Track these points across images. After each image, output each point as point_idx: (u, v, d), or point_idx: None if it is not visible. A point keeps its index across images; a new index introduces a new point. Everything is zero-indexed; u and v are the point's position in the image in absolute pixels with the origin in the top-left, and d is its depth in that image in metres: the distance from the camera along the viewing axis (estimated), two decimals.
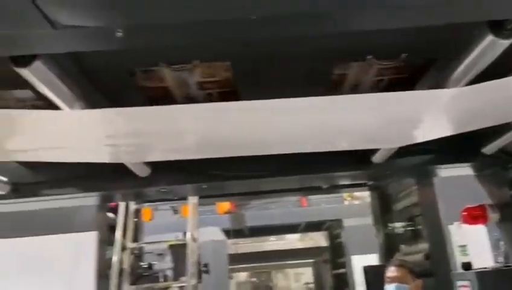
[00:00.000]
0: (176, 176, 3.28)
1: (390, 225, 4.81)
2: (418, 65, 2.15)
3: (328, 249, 9.77)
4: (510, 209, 3.08)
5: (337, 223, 8.38)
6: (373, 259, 5.32)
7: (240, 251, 12.04)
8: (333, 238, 9.04)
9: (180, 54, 1.87)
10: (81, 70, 1.91)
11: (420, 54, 2.07)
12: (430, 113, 2.15)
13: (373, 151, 3.05)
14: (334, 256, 8.94)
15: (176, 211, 8.02)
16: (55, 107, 1.95)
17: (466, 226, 3.21)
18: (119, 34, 1.28)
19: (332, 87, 2.26)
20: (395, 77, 2.29)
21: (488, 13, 1.47)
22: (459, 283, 3.09)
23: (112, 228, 4.68)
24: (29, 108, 2.24)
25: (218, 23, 1.29)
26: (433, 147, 2.86)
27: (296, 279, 16.83)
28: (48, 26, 1.20)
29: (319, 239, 12.06)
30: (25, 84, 1.77)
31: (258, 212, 8.46)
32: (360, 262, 6.21)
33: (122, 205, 4.85)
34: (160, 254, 5.77)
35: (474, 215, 3.12)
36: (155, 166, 3.10)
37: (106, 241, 4.14)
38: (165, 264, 5.59)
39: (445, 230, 3.37)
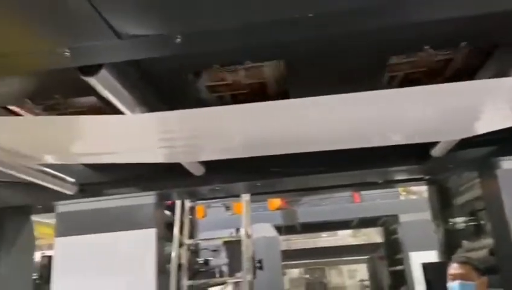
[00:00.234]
0: (229, 174, 3.36)
1: (450, 220, 4.62)
2: (478, 54, 2.06)
3: (383, 245, 9.53)
4: None
5: (393, 218, 8.14)
6: (432, 256, 5.15)
7: (292, 247, 12.04)
8: (389, 234, 8.81)
9: (234, 55, 1.91)
10: (139, 75, 2.00)
11: (480, 42, 1.97)
12: (492, 103, 2.05)
13: (432, 144, 2.95)
14: (391, 253, 8.71)
15: (227, 208, 8.17)
16: (116, 112, 2.06)
17: None
18: (178, 40, 1.33)
19: (388, 80, 2.22)
20: (453, 67, 2.20)
21: None
22: None
23: (168, 225, 4.85)
24: (91, 113, 2.38)
25: (275, 24, 1.31)
26: (495, 138, 2.72)
27: (350, 276, 16.59)
28: (114, 36, 1.27)
29: (372, 235, 11.80)
30: (89, 91, 1.89)
31: (309, 208, 8.42)
32: (418, 259, 6.02)
33: (178, 203, 5.01)
34: (214, 250, 5.90)
35: None
36: (209, 165, 3.19)
37: (164, 238, 4.30)
38: (221, 260, 5.72)
39: (511, 224, 3.20)
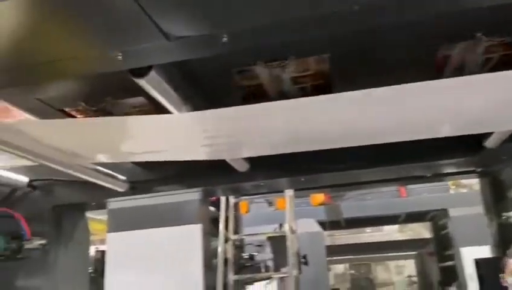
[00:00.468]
0: (273, 170, 3.37)
1: (504, 214, 4.40)
2: None
3: (432, 240, 9.23)
4: None
5: (443, 213, 7.85)
6: (485, 251, 4.93)
7: (337, 243, 11.93)
8: (438, 229, 8.50)
9: (278, 51, 1.92)
10: (184, 75, 2.05)
11: None
12: None
13: (485, 136, 2.82)
14: (440, 248, 8.42)
15: (270, 204, 8.20)
16: (162, 112, 2.12)
17: None
18: (225, 40, 1.36)
19: (436, 70, 2.14)
20: (505, 54, 2.09)
21: None
22: None
23: (214, 221, 4.94)
24: (139, 113, 2.46)
25: (320, 17, 1.31)
26: None
27: (397, 272, 16.20)
28: (163, 38, 1.32)
29: (420, 230, 11.48)
30: (138, 92, 1.96)
31: (354, 203, 8.29)
32: (470, 254, 5.80)
33: (223, 199, 5.09)
34: (259, 245, 5.96)
35: None
36: (253, 161, 3.21)
37: (210, 233, 4.38)
38: (266, 255, 5.76)
39: None
